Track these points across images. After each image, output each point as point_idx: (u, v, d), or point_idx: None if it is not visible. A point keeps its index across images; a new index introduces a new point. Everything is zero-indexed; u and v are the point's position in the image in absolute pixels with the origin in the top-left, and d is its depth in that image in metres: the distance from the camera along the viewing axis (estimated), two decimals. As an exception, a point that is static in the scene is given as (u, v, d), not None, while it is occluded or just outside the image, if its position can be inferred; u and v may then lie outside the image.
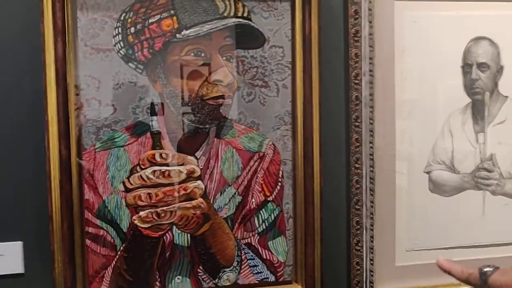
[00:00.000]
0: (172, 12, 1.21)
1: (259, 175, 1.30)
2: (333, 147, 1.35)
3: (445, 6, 1.39)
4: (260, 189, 1.30)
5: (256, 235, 1.30)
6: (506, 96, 1.43)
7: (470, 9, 1.40)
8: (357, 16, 1.32)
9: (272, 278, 1.31)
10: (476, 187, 1.44)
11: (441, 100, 1.41)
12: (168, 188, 1.22)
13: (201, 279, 1.27)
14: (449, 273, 0.88)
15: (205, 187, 1.26)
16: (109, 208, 1.21)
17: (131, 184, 1.21)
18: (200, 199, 1.25)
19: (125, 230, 1.22)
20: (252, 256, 1.30)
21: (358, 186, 1.36)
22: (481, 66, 1.41)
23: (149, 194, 1.21)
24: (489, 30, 1.41)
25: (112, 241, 1.22)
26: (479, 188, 1.44)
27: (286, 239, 1.32)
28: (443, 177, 1.42)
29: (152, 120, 1.22)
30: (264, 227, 1.30)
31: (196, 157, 1.25)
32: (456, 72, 1.41)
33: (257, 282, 1.31)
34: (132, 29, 1.20)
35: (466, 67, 1.41)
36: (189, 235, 1.25)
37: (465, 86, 1.41)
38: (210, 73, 1.24)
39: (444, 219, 1.42)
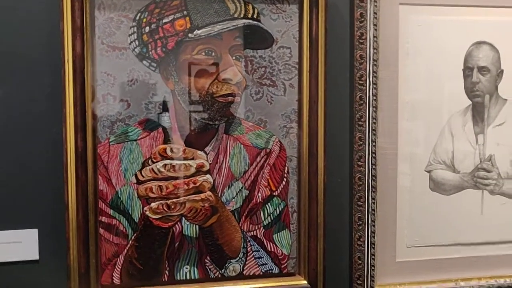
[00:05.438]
0: (185, 12, 1.25)
1: (265, 170, 1.34)
2: (337, 145, 1.39)
3: (448, 11, 1.42)
4: (266, 184, 1.34)
5: (262, 228, 1.34)
6: (506, 99, 1.47)
7: (472, 14, 1.43)
8: (362, 19, 1.36)
9: (276, 270, 1.36)
10: (475, 187, 1.47)
11: (443, 102, 1.44)
12: (178, 181, 1.27)
13: (208, 269, 1.32)
14: None
15: (214, 181, 1.30)
16: (121, 199, 1.26)
17: (143, 176, 1.26)
18: (209, 192, 1.30)
19: (136, 220, 1.27)
20: (257, 248, 1.34)
21: (361, 183, 1.39)
22: (482, 69, 1.44)
23: (160, 186, 1.26)
24: (490, 35, 1.44)
25: (124, 230, 1.26)
26: (478, 187, 1.47)
27: (290, 232, 1.36)
28: (444, 176, 1.46)
29: (164, 116, 1.27)
30: (270, 220, 1.35)
31: (205, 152, 1.30)
32: (457, 75, 1.44)
33: (261, 273, 1.35)
34: (147, 29, 1.24)
35: (467, 70, 1.44)
36: (197, 226, 1.30)
37: (466, 88, 1.45)
38: (220, 72, 1.29)
39: (444, 217, 1.46)
